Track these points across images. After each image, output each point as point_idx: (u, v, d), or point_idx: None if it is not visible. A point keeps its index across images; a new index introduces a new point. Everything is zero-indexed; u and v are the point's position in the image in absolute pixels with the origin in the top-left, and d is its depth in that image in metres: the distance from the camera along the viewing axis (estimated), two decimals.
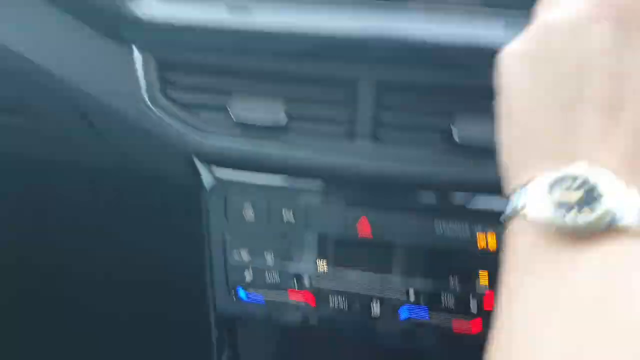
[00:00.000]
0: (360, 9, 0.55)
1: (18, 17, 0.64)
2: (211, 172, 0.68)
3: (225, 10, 0.56)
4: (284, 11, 0.56)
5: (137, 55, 0.61)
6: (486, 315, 0.70)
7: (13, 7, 0.64)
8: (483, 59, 0.52)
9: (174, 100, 0.63)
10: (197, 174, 0.68)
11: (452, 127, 0.58)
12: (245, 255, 0.70)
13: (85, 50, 0.63)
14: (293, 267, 0.70)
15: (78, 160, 0.80)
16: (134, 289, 1.05)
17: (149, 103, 0.63)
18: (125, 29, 0.59)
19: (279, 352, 0.85)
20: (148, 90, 0.62)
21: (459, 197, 0.64)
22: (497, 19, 0.54)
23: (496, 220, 0.62)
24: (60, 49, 0.63)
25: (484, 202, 0.64)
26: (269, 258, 0.70)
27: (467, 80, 0.57)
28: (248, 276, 0.71)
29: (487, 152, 0.58)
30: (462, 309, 0.69)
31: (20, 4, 0.63)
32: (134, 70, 0.62)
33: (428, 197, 0.64)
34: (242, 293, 0.73)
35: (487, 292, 0.69)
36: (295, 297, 0.71)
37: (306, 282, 0.70)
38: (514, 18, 0.52)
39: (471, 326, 0.71)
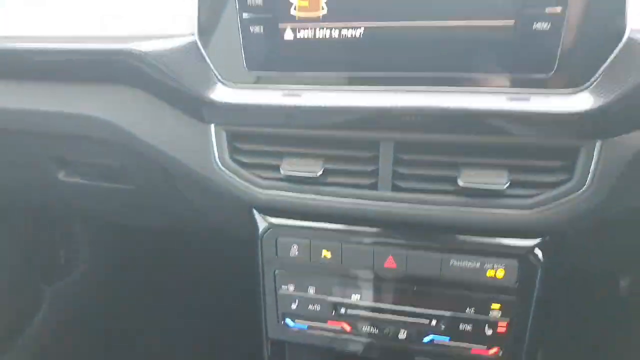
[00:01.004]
0: (379, 89, 0.72)
1: (125, 103, 0.85)
2: (265, 219, 0.85)
3: (281, 94, 0.74)
4: (325, 94, 0.73)
5: (212, 129, 0.80)
6: (502, 342, 0.81)
7: (120, 94, 0.86)
8: (486, 122, 0.68)
9: (239, 162, 0.81)
10: (253, 220, 0.85)
11: (457, 176, 0.72)
12: (292, 288, 0.85)
13: (173, 126, 0.83)
14: (331, 298, 0.84)
15: (164, 221, 0.99)
16: (200, 318, 1.21)
17: (220, 164, 0.81)
18: (205, 110, 0.78)
19: None
20: (219, 154, 0.81)
21: (468, 236, 0.78)
22: (502, 93, 0.68)
23: (503, 255, 0.76)
24: (155, 126, 0.84)
25: (490, 240, 0.77)
26: (311, 291, 0.85)
27: (469, 138, 0.72)
28: (294, 306, 0.85)
29: (487, 196, 0.72)
30: (478, 337, 0.81)
31: (127, 93, 0.84)
32: (209, 140, 0.81)
33: (443, 236, 0.78)
34: (289, 321, 0.87)
35: (500, 322, 0.80)
36: (333, 324, 0.85)
37: (342, 311, 0.84)
38: (520, 93, 0.67)
39: (488, 352, 0.82)
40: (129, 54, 0.76)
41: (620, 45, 0.62)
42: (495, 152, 0.72)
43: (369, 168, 0.76)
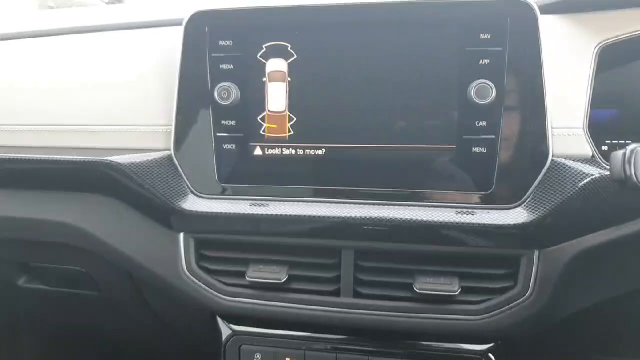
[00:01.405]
0: (340, 201, 0.79)
1: (97, 210, 0.88)
2: (228, 326, 0.86)
3: (249, 204, 0.80)
4: (290, 205, 0.80)
5: (181, 237, 0.84)
6: None
7: (93, 202, 0.89)
8: (437, 233, 0.75)
9: (205, 269, 0.84)
10: (217, 328, 0.86)
11: (413, 282, 0.77)
12: None
13: (143, 234, 0.86)
14: None
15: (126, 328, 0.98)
16: None
17: (186, 271, 0.84)
18: (175, 219, 0.83)
19: None
20: (186, 261, 0.84)
21: (425, 342, 0.81)
22: (450, 207, 0.76)
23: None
24: (125, 233, 0.87)
25: (445, 345, 0.81)
26: None
27: (422, 247, 0.79)
28: None
29: (440, 302, 0.77)
30: None
31: (100, 201, 0.88)
32: (177, 247, 0.84)
33: (402, 342, 0.82)
34: None
35: None
36: None
37: None
38: (465, 207, 0.75)
39: None
40: (107, 165, 0.81)
41: (545, 168, 0.72)
42: (446, 260, 0.79)
43: (332, 274, 0.81)
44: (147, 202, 0.82)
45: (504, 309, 0.77)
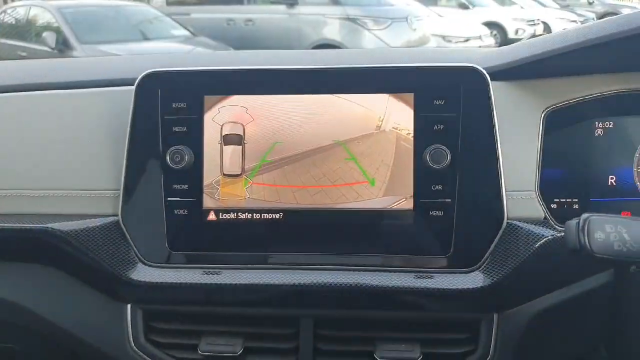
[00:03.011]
0: (297, 268, 0.77)
1: (34, 282, 0.82)
2: None
3: (201, 273, 0.76)
4: (245, 273, 0.76)
5: (128, 308, 0.79)
6: None
7: (29, 274, 0.82)
8: (396, 298, 0.73)
9: (154, 343, 0.78)
10: None
11: (374, 350, 0.75)
12: None
13: (86, 306, 0.80)
14: None
15: None
16: None
17: (133, 346, 0.78)
18: (122, 289, 0.78)
19: None
20: (134, 335, 0.78)
21: None
22: (409, 272, 0.75)
23: None
24: (66, 306, 0.81)
25: None
26: None
27: (382, 313, 0.77)
28: None
29: None
30: None
31: (38, 272, 0.82)
32: (124, 320, 0.79)
33: None
34: None
35: None
36: None
37: None
38: (426, 272, 0.74)
39: None
40: (48, 233, 0.75)
41: (501, 231, 0.73)
42: (407, 325, 0.77)
43: (290, 345, 0.77)
44: (91, 272, 0.77)
45: None
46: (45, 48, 5.05)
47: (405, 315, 0.77)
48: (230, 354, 0.76)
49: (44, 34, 5.17)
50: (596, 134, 0.78)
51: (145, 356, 0.78)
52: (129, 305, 0.79)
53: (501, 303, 0.76)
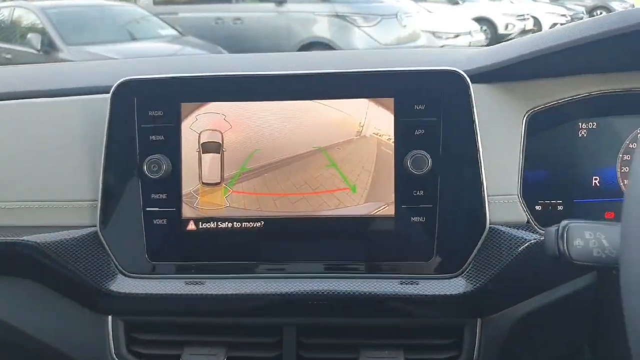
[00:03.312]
0: (280, 276, 0.76)
1: (11, 295, 0.80)
2: None
3: (184, 283, 0.75)
4: (227, 283, 0.75)
5: (109, 320, 0.77)
6: None
7: (5, 287, 0.81)
8: (381, 305, 0.72)
9: (136, 354, 0.77)
10: None
11: (357, 357, 0.74)
12: None
13: (66, 319, 0.79)
14: None
15: None
16: None
17: (115, 357, 0.77)
18: (103, 301, 0.76)
19: None
20: (115, 347, 0.77)
21: None
22: (392, 278, 0.74)
23: None
24: (45, 319, 0.79)
25: None
26: None
27: (367, 321, 0.76)
28: None
29: None
30: None
31: (14, 285, 0.80)
32: (105, 332, 0.77)
33: None
34: None
35: None
36: None
37: None
38: (410, 278, 0.74)
39: None
40: (24, 246, 0.74)
41: (483, 236, 0.72)
42: (390, 332, 0.76)
43: (273, 354, 0.77)
44: (70, 284, 0.76)
45: None
46: (31, 50, 4.97)
47: (388, 322, 0.76)
48: None
49: (29, 36, 5.08)
50: (579, 135, 0.78)
51: None
52: (110, 317, 0.78)
53: (484, 308, 0.76)
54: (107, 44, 4.86)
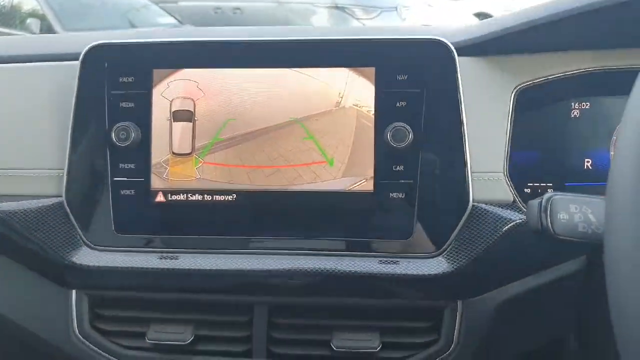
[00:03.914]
0: (252, 252, 0.72)
1: None
2: None
3: (157, 257, 0.71)
4: (198, 258, 0.72)
5: (73, 294, 0.74)
6: None
7: None
8: (358, 285, 0.69)
9: (100, 330, 0.74)
10: None
11: (331, 339, 0.71)
12: None
13: (27, 292, 0.76)
14: None
15: None
16: None
17: (78, 333, 0.74)
18: (67, 274, 0.73)
19: None
20: (78, 322, 0.74)
21: None
22: (373, 257, 0.71)
23: None
24: (4, 292, 0.76)
25: None
26: None
27: (342, 301, 0.73)
28: None
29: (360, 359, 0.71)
30: None
31: None
32: (68, 306, 0.74)
33: None
34: None
35: None
36: None
37: None
38: (389, 257, 0.70)
39: None
40: None
41: (465, 215, 0.69)
42: (367, 314, 0.73)
43: (243, 333, 0.73)
44: (32, 255, 0.72)
45: None
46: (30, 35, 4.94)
47: (364, 303, 0.73)
48: (180, 343, 0.72)
49: (28, 21, 5.06)
50: (572, 116, 0.74)
51: (90, 344, 0.74)
52: (73, 291, 0.74)
53: (465, 290, 0.72)
54: (106, 31, 4.82)
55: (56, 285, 0.75)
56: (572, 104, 0.74)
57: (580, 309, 0.79)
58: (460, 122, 0.70)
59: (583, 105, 0.74)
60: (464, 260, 0.69)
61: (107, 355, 0.73)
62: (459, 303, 0.72)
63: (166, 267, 0.71)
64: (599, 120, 0.74)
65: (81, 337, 0.74)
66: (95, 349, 0.74)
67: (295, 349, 0.73)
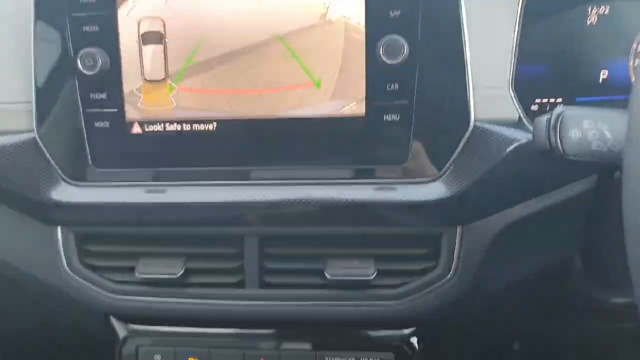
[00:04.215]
0: (240, 183, 0.69)
1: None
2: (123, 327, 0.76)
3: (143, 191, 0.68)
4: (183, 190, 0.68)
5: (59, 231, 0.72)
6: None
7: None
8: (353, 213, 0.65)
9: (89, 266, 0.73)
10: (111, 330, 0.76)
11: (324, 268, 0.69)
12: None
13: (13, 231, 0.74)
14: None
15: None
16: None
17: (68, 270, 0.72)
18: (50, 212, 0.70)
19: None
20: (67, 259, 0.72)
21: (341, 330, 0.74)
22: (368, 185, 0.67)
23: (378, 348, 0.73)
24: None
25: (363, 332, 0.74)
26: None
27: (335, 230, 0.70)
28: None
29: (355, 287, 0.70)
30: None
31: None
32: (55, 244, 0.72)
33: (315, 333, 0.74)
34: None
35: None
36: None
37: None
38: (385, 183, 0.66)
39: None
40: None
41: (466, 135, 0.63)
42: (360, 242, 0.70)
43: (235, 265, 0.71)
44: (10, 194, 0.70)
45: (425, 291, 0.70)
46: None
47: (359, 232, 0.70)
48: (170, 276, 0.70)
49: None
50: (588, 22, 0.66)
51: (81, 280, 0.73)
52: (59, 229, 0.72)
53: (465, 215, 0.68)
54: None
55: (41, 224, 0.73)
56: (589, 8, 0.65)
57: (587, 230, 0.75)
58: (461, 32, 0.62)
59: (602, 10, 0.65)
60: (463, 185, 0.65)
61: (98, 290, 0.73)
62: (458, 228, 0.69)
63: (153, 201, 0.68)
64: (618, 26, 0.66)
65: (71, 274, 0.73)
66: (87, 284, 0.73)
67: (289, 277, 0.71)
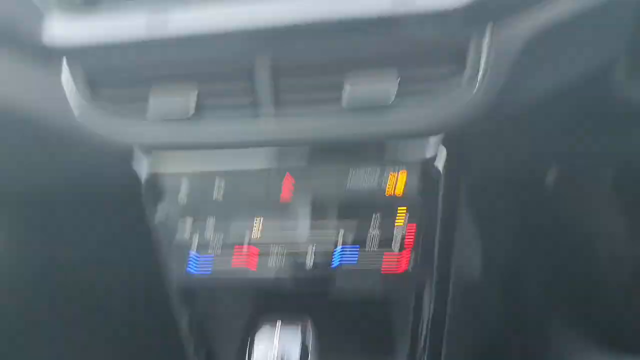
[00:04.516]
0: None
1: None
2: (147, 162, 0.75)
3: (143, 20, 0.63)
4: (195, 12, 0.62)
5: (66, 70, 0.68)
6: (411, 246, 0.77)
7: None
8: (371, 28, 0.60)
9: (100, 108, 0.70)
10: (135, 165, 0.76)
11: (342, 94, 0.65)
12: (187, 231, 0.78)
13: (19, 78, 0.71)
14: (232, 234, 0.77)
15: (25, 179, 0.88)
16: (95, 284, 1.13)
17: (79, 113, 0.70)
18: (54, 51, 0.66)
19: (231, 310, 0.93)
20: (77, 101, 0.70)
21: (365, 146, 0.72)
22: None
23: (403, 164, 0.71)
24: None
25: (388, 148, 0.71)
26: (209, 229, 0.77)
27: (354, 51, 0.64)
28: (193, 249, 0.79)
29: (372, 113, 0.66)
30: (388, 243, 0.76)
31: None
32: (63, 87, 0.69)
33: (338, 153, 0.72)
34: (191, 267, 0.81)
35: (408, 225, 0.76)
36: (237, 263, 0.79)
37: (245, 242, 0.78)
38: None
39: (398, 262, 0.77)
40: None
41: None
42: (380, 60, 0.64)
43: (248, 99, 0.67)
44: (5, 31, 0.65)
45: (452, 104, 0.65)
46: None
47: (379, 50, 0.64)
48: (183, 114, 0.67)
49: None
50: None
51: (92, 122, 0.70)
52: (67, 69, 0.68)
53: (497, 11, 0.61)
54: None
55: (47, 67, 0.69)
56: None
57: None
58: None
59: None
60: None
61: (111, 131, 0.71)
62: (488, 30, 0.62)
63: (156, 30, 0.63)
64: None
65: (82, 116, 0.70)
66: (99, 124, 0.70)
67: (305, 94, 0.67)
